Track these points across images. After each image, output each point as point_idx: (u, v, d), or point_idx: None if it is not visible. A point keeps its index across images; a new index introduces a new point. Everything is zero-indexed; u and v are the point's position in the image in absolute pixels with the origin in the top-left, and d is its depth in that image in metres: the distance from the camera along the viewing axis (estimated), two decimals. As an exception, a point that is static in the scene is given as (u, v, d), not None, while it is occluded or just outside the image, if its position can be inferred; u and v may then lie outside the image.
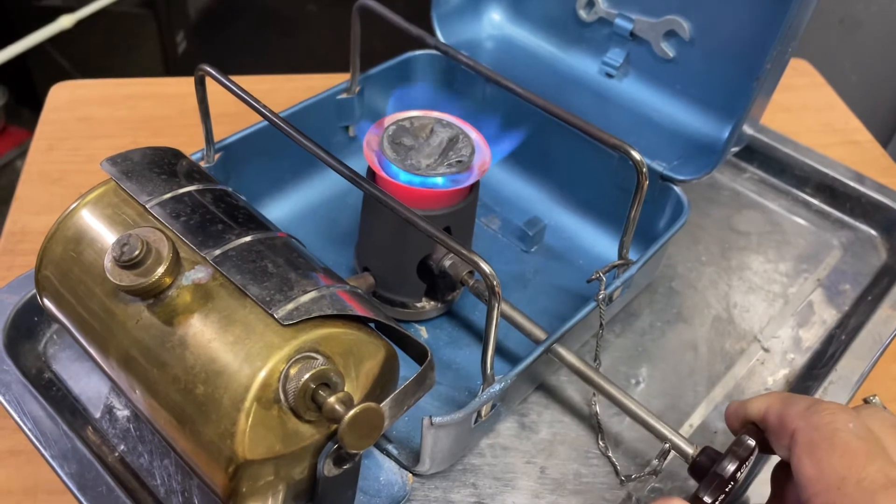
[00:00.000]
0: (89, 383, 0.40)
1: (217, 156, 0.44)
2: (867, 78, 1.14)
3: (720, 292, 0.49)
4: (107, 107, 0.61)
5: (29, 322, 0.41)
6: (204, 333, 0.30)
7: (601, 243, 0.50)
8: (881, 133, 1.16)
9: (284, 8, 1.86)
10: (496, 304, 0.32)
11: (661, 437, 0.36)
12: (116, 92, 0.62)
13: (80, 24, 1.18)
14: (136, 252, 0.29)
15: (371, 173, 0.40)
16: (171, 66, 1.39)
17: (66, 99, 0.61)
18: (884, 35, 1.11)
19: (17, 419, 0.36)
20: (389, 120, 0.40)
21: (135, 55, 1.38)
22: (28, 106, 1.34)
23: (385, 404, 0.30)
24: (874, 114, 1.15)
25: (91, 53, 1.33)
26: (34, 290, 0.39)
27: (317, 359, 0.29)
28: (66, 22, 1.17)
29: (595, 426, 0.41)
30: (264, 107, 0.37)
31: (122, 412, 0.39)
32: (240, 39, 1.74)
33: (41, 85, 1.34)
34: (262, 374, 0.28)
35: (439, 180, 0.38)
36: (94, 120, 0.59)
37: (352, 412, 0.28)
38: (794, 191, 0.57)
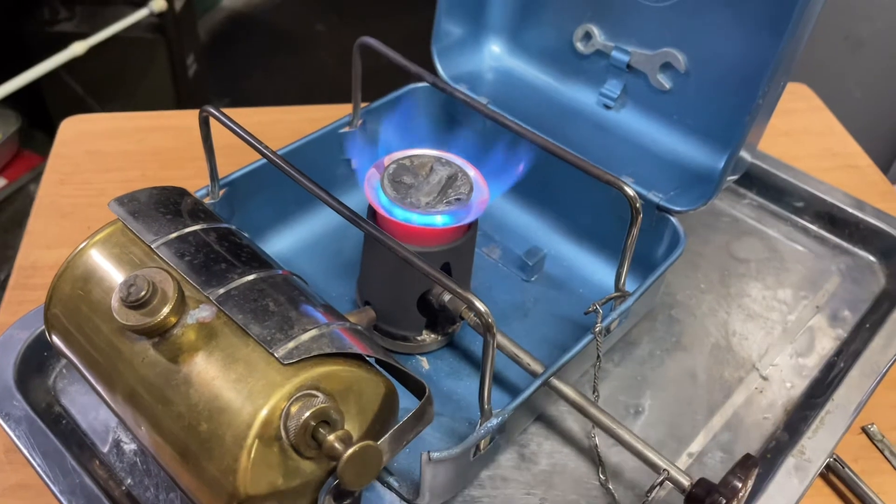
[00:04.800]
0: (97, 417, 0.41)
1: (222, 192, 0.45)
2: (871, 95, 1.15)
3: (719, 320, 0.50)
4: (115, 140, 0.62)
5: (39, 357, 0.42)
6: (207, 371, 0.31)
7: (601, 272, 0.51)
8: (886, 150, 1.16)
9: (292, 28, 1.89)
10: (491, 341, 0.32)
11: (657, 469, 0.37)
12: (125, 125, 0.64)
13: (92, 49, 1.20)
14: (143, 293, 0.30)
15: (372, 211, 0.41)
16: (182, 89, 1.41)
17: (75, 132, 0.62)
18: (888, 52, 1.12)
19: (27, 454, 0.37)
20: (389, 158, 0.41)
21: (146, 79, 1.41)
22: (41, 129, 1.36)
23: (383, 442, 0.31)
24: (878, 132, 1.15)
25: (103, 78, 1.35)
26: (44, 326, 0.40)
27: (317, 396, 0.30)
28: (78, 49, 1.19)
29: (596, 458, 0.41)
30: (266, 147, 0.38)
31: (129, 446, 0.40)
32: (249, 60, 1.77)
33: (54, 109, 1.36)
34: (263, 412, 0.29)
35: (438, 218, 0.39)
36: (104, 153, 0.61)
37: (350, 450, 0.29)
38: (794, 217, 0.57)
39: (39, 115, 1.35)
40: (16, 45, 1.31)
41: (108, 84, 1.37)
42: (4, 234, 1.16)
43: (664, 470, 0.36)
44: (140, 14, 1.27)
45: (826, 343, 0.49)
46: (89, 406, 0.41)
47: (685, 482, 0.36)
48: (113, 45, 1.24)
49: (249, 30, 1.87)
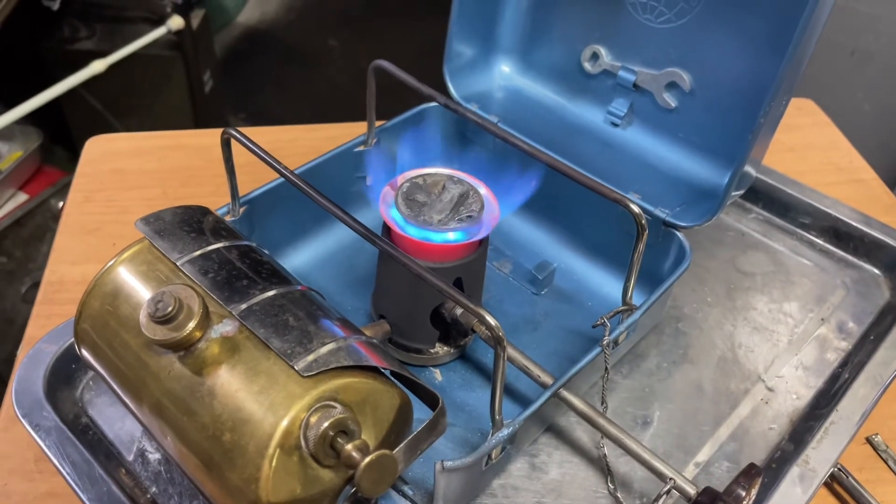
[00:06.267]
0: (123, 427, 0.42)
1: (242, 209, 0.47)
2: (880, 109, 1.15)
3: (725, 333, 0.51)
4: (138, 158, 0.64)
5: (67, 369, 0.44)
6: (231, 384, 0.32)
7: (609, 285, 0.52)
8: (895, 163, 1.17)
9: (306, 43, 1.92)
10: (502, 354, 0.34)
11: (663, 478, 0.38)
12: (146, 144, 0.66)
13: (112, 66, 1.22)
14: (170, 309, 0.31)
15: (386, 228, 0.42)
16: (199, 104, 1.43)
17: (99, 152, 0.64)
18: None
19: (57, 464, 0.38)
20: (403, 177, 0.42)
21: (164, 95, 1.43)
22: (62, 145, 1.38)
23: (398, 451, 0.32)
24: (888, 145, 1.16)
25: (121, 94, 1.37)
26: (72, 339, 0.42)
27: (335, 407, 0.31)
28: (98, 67, 1.21)
29: (605, 468, 0.42)
30: (285, 167, 0.40)
31: (154, 455, 0.41)
32: (264, 75, 1.80)
33: (74, 125, 1.39)
34: (284, 423, 0.30)
35: (450, 235, 0.40)
36: (126, 172, 0.63)
37: (367, 459, 0.30)
38: (799, 231, 0.58)
39: (60, 131, 1.38)
40: (37, 64, 1.34)
41: (126, 100, 1.40)
42: (26, 247, 1.19)
43: (671, 479, 0.37)
44: (158, 32, 1.30)
45: (831, 355, 0.50)
46: (115, 417, 0.43)
47: (691, 491, 0.37)
48: (131, 62, 1.27)
49: (264, 46, 1.90)
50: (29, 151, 1.24)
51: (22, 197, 1.27)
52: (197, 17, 1.39)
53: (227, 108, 1.63)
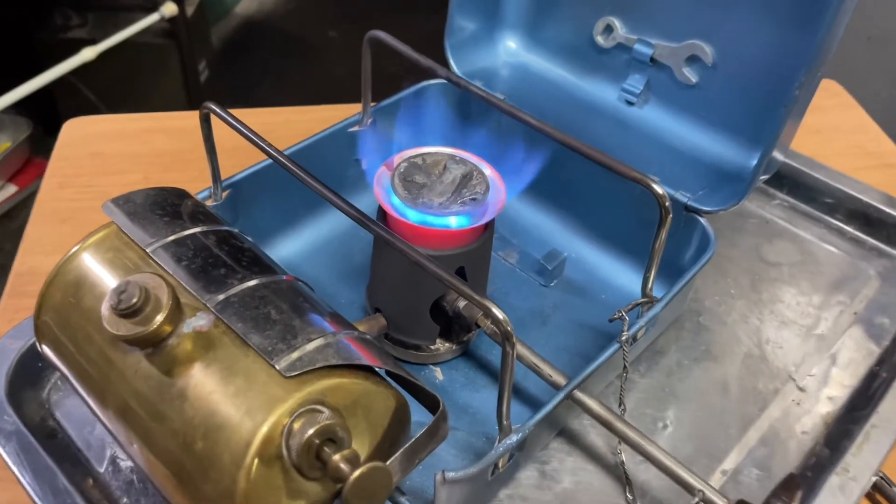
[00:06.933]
0: (93, 432, 0.39)
1: (225, 193, 0.43)
2: (898, 95, 1.12)
3: (751, 327, 0.47)
4: (120, 142, 0.61)
5: (33, 368, 0.40)
6: (204, 385, 0.29)
7: (624, 276, 0.49)
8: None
9: (305, 35, 1.89)
10: (511, 351, 0.30)
11: (691, 490, 0.34)
12: (130, 127, 0.62)
13: (104, 55, 1.20)
14: (134, 300, 0.28)
15: (382, 212, 0.38)
16: (194, 95, 1.41)
17: (79, 135, 0.61)
18: (914, 51, 1.09)
19: (17, 472, 0.35)
20: (400, 157, 0.39)
21: (158, 85, 1.41)
22: (54, 136, 1.36)
23: (393, 461, 0.29)
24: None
25: (114, 83, 1.35)
26: (37, 336, 0.38)
27: (322, 412, 0.28)
28: (88, 54, 1.19)
29: (622, 476, 0.39)
30: (270, 146, 0.36)
31: (126, 463, 0.38)
32: (261, 66, 1.77)
33: (67, 116, 1.36)
34: (263, 430, 0.27)
35: (452, 220, 0.36)
36: (107, 156, 0.59)
37: (357, 472, 0.27)
38: (827, 218, 0.55)
39: (51, 121, 1.35)
40: (29, 53, 1.31)
41: (119, 89, 1.38)
42: (16, 240, 1.16)
43: (699, 491, 0.34)
44: (151, 19, 1.27)
45: (866, 351, 0.46)
46: (85, 420, 0.40)
47: (721, 504, 0.33)
48: (124, 50, 1.25)
49: (262, 37, 1.87)
50: (18, 142, 1.22)
51: (11, 189, 1.25)
52: (192, 5, 1.37)
53: (224, 99, 1.60)
